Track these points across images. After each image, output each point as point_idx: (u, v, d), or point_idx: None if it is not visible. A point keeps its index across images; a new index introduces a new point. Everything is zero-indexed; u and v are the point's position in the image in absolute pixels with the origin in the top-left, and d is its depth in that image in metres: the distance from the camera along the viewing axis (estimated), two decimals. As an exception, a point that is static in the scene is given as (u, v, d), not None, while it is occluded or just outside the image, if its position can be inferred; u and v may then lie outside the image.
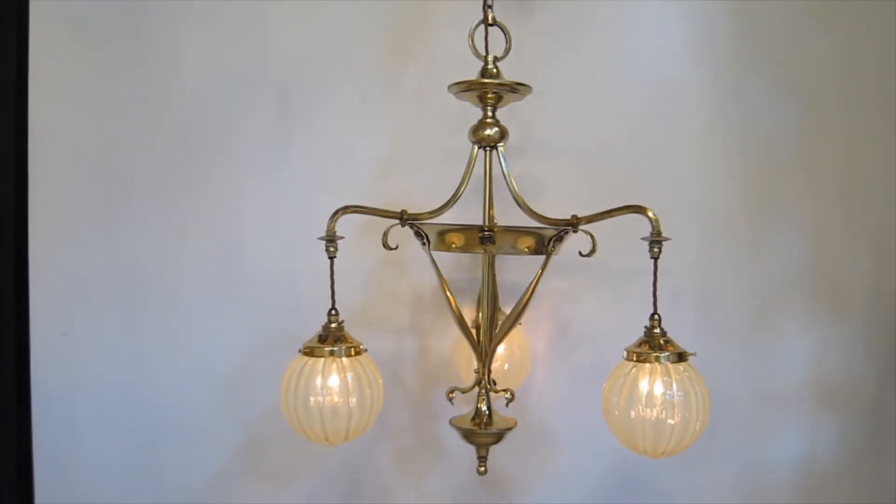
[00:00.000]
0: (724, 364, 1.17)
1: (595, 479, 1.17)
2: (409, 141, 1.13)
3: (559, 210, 0.93)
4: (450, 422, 0.98)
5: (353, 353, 0.86)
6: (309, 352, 0.86)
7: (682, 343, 0.85)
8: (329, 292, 0.88)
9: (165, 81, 1.10)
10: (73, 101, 1.08)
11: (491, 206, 0.97)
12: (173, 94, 1.10)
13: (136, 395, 1.10)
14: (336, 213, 0.88)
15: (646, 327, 0.83)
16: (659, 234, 0.80)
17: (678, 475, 1.17)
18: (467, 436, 0.96)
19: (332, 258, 0.87)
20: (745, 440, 1.18)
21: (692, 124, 1.16)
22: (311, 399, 0.84)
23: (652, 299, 0.83)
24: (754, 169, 1.17)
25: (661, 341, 0.81)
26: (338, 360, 0.85)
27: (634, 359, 0.81)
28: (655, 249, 0.80)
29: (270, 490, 1.14)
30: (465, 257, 1.09)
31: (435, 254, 0.96)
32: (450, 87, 0.94)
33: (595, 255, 0.89)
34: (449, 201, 0.93)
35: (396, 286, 1.14)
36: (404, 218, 0.91)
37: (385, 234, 0.92)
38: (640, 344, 0.82)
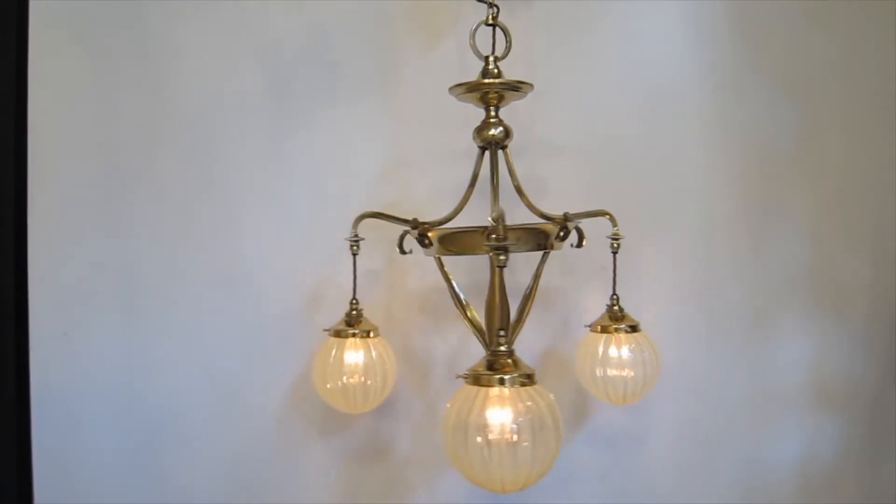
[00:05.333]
0: (724, 364, 1.17)
1: (595, 479, 1.17)
2: (410, 143, 1.13)
3: (560, 208, 0.95)
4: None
5: (370, 335, 1.01)
6: (336, 333, 1.00)
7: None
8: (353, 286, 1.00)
9: (165, 82, 1.10)
10: (73, 101, 1.08)
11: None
12: (173, 95, 1.10)
13: (136, 395, 1.10)
14: (359, 218, 0.98)
15: (607, 305, 1.02)
16: (617, 232, 0.97)
17: (679, 475, 1.17)
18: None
19: (354, 255, 0.99)
20: (745, 440, 1.18)
21: (692, 123, 1.16)
22: (341, 374, 1.00)
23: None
24: (754, 169, 1.17)
25: (621, 315, 1.01)
26: (361, 339, 1.00)
27: (601, 330, 1.01)
28: (615, 244, 0.98)
29: (271, 491, 1.13)
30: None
31: (449, 257, 0.96)
32: (451, 89, 0.93)
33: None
34: (459, 206, 0.94)
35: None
36: (415, 226, 0.94)
37: (401, 239, 0.97)
38: (604, 318, 1.01)
